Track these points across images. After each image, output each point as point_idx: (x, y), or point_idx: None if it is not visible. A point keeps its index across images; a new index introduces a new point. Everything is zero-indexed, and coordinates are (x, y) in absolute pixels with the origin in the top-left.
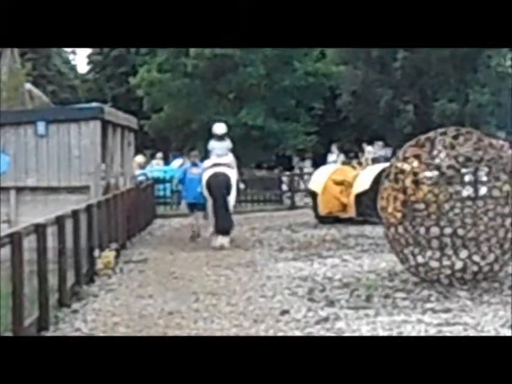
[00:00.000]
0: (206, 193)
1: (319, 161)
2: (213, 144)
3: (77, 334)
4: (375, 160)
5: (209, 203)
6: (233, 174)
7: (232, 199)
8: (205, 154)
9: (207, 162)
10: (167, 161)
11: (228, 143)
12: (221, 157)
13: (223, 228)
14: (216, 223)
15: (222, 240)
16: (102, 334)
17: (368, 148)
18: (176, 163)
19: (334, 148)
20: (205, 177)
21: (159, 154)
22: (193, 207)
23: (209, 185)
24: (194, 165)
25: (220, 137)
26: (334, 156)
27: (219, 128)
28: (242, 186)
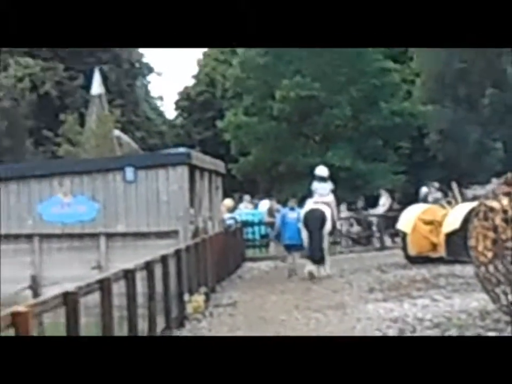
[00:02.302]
0: (302, 226)
1: (408, 200)
2: (316, 185)
3: None
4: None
5: (304, 234)
6: (329, 211)
7: (326, 233)
8: (308, 194)
9: (309, 201)
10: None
11: (329, 185)
12: (322, 197)
13: (313, 256)
14: (310, 254)
15: (311, 267)
16: None
17: (423, 189)
18: (263, 205)
19: (382, 192)
20: (303, 212)
21: (247, 197)
22: (290, 248)
23: (306, 220)
24: (291, 209)
25: (322, 179)
26: (383, 200)
27: (322, 170)
28: (339, 225)
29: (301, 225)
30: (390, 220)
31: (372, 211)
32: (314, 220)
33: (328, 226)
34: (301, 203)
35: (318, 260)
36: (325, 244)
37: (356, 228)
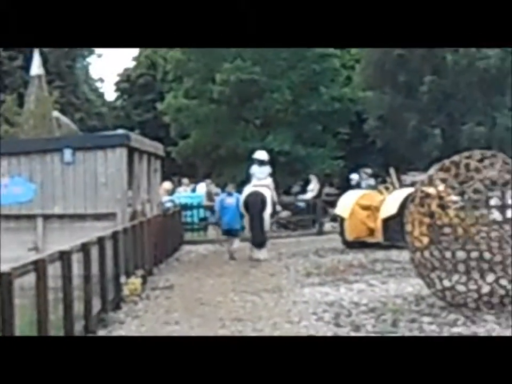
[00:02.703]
0: (243, 210)
1: (346, 185)
2: (254, 169)
3: None
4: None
5: (246, 219)
6: (269, 194)
7: (267, 216)
8: (246, 178)
9: (248, 186)
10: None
11: (268, 168)
12: (260, 180)
13: (258, 241)
14: (252, 238)
15: (259, 254)
16: None
17: (352, 176)
18: (200, 188)
19: (312, 177)
20: (243, 196)
21: (185, 180)
22: (228, 233)
23: (246, 203)
24: (229, 194)
25: (261, 163)
26: (312, 185)
27: (261, 154)
28: (279, 208)
29: (242, 208)
30: (328, 204)
31: (301, 196)
32: (255, 203)
33: (269, 209)
34: (239, 188)
35: (260, 243)
36: (267, 227)
37: (284, 213)
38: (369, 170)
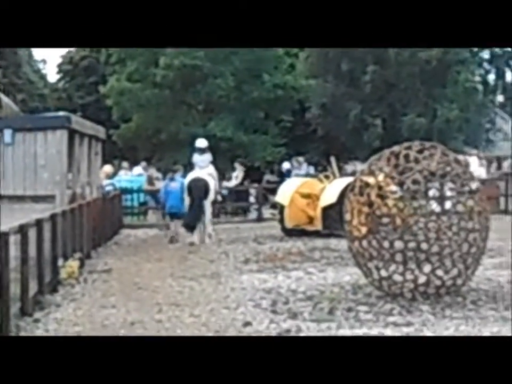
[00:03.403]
0: (186, 195)
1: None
2: (196, 157)
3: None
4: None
5: (186, 202)
6: (212, 182)
7: (208, 204)
8: (189, 166)
9: (191, 173)
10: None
11: (209, 156)
12: (202, 169)
13: (187, 223)
14: (184, 220)
15: (194, 238)
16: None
17: (284, 164)
18: (136, 171)
19: (236, 164)
20: (187, 181)
21: (125, 164)
22: (172, 216)
23: (189, 188)
24: (172, 179)
25: (202, 151)
26: (237, 172)
27: (201, 142)
28: (219, 198)
29: (185, 193)
30: (269, 192)
31: (225, 184)
32: (198, 189)
33: (211, 196)
34: (185, 173)
35: (191, 227)
36: (208, 213)
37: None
38: (301, 159)
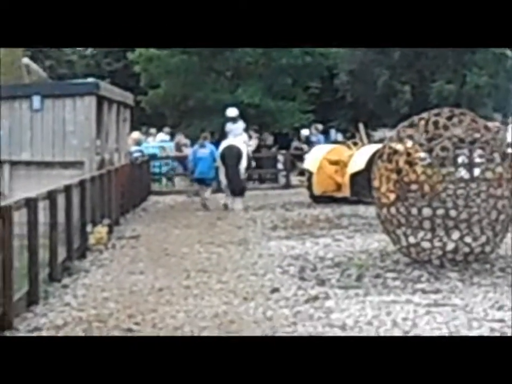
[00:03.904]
0: (219, 162)
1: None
2: (228, 126)
3: (67, 308)
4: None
5: (222, 170)
6: (245, 148)
7: (242, 168)
8: (223, 135)
9: (224, 141)
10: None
11: (241, 124)
12: (236, 136)
13: (237, 189)
14: (231, 187)
15: (236, 202)
16: (92, 310)
17: (302, 131)
18: (159, 137)
19: (251, 132)
20: (220, 149)
21: (153, 130)
22: (201, 182)
23: (223, 156)
24: (202, 146)
25: (234, 119)
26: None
27: (232, 111)
28: (253, 163)
29: (218, 161)
30: (296, 158)
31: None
32: (232, 156)
33: (244, 162)
34: (215, 141)
35: (240, 191)
36: (242, 178)
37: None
38: (320, 126)
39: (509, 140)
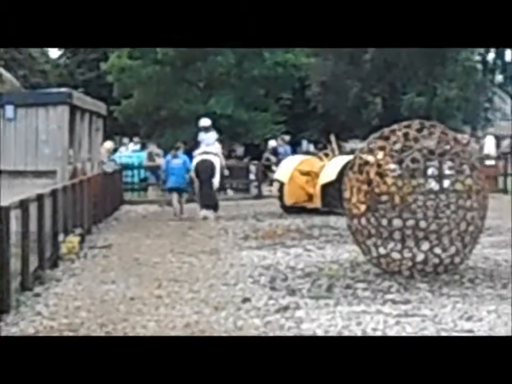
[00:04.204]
0: (193, 176)
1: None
2: (201, 136)
3: (38, 318)
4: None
5: (196, 184)
6: (217, 161)
7: (216, 181)
8: (195, 144)
9: (197, 151)
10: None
11: (214, 134)
12: (208, 146)
13: (207, 203)
14: (202, 200)
15: (206, 212)
16: (63, 319)
17: (270, 142)
18: (131, 146)
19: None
20: (194, 163)
21: (126, 140)
22: (173, 190)
23: (197, 170)
24: (175, 156)
25: (206, 129)
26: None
27: (204, 121)
28: (227, 172)
29: (192, 174)
30: (268, 169)
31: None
32: (205, 171)
33: (217, 176)
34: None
35: (208, 205)
36: (214, 192)
37: None
38: (286, 137)
39: (486, 151)
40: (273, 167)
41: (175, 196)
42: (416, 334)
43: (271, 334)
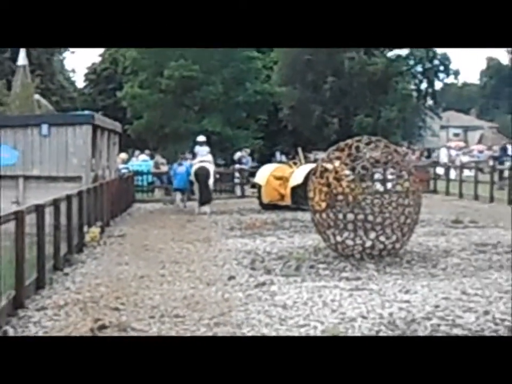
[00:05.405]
0: (193, 179)
1: (263, 160)
2: (197, 148)
3: (67, 292)
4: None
5: (195, 186)
6: (211, 168)
7: (210, 183)
8: (192, 155)
9: (195, 160)
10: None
11: (207, 148)
12: (203, 157)
13: (205, 199)
14: (201, 197)
15: (205, 208)
16: (87, 293)
17: (236, 154)
18: (141, 157)
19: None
20: (193, 169)
21: (137, 152)
22: (178, 190)
23: (196, 174)
24: (180, 164)
25: (202, 143)
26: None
27: (201, 138)
28: (217, 176)
29: (192, 178)
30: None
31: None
32: (202, 175)
33: (211, 179)
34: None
35: (206, 201)
36: (210, 191)
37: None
38: (248, 150)
39: (443, 160)
40: (236, 174)
41: (178, 194)
42: (366, 303)
43: (251, 305)
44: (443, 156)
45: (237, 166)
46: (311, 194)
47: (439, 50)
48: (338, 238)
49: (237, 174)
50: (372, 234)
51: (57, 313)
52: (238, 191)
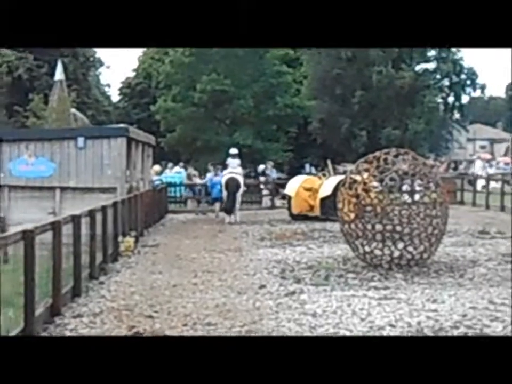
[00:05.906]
0: (223, 189)
1: (293, 172)
2: (229, 160)
3: (102, 300)
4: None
5: (225, 194)
6: (241, 179)
7: (239, 195)
8: (224, 166)
9: (225, 171)
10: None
11: (238, 160)
12: (234, 168)
13: (227, 209)
14: (225, 207)
15: (229, 219)
16: (121, 301)
17: (260, 166)
18: (175, 169)
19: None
20: (224, 180)
21: (170, 164)
22: (215, 200)
23: (226, 185)
24: (216, 175)
25: (234, 156)
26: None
27: (233, 150)
28: (245, 188)
29: (223, 188)
30: (279, 186)
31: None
32: (233, 186)
33: (241, 190)
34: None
35: (230, 211)
36: (238, 202)
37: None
38: (271, 163)
39: (476, 172)
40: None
41: (217, 205)
42: (394, 312)
43: (281, 313)
44: (478, 168)
45: (262, 178)
46: (340, 205)
47: (466, 65)
48: (367, 248)
49: (262, 186)
50: (400, 245)
51: (92, 321)
52: (265, 202)
